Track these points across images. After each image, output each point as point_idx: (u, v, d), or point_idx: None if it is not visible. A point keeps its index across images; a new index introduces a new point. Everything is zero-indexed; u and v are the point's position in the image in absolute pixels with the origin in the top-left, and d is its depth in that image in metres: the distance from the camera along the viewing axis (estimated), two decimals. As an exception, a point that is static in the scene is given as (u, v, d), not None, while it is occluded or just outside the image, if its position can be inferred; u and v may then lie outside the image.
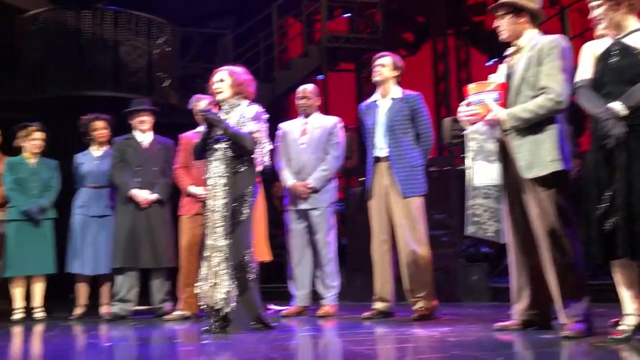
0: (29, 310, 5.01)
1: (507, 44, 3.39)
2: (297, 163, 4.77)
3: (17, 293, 5.01)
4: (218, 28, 9.68)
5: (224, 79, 3.83)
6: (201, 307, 3.81)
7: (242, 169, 3.74)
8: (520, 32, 3.24)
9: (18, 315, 4.94)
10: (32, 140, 5.11)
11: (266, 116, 3.88)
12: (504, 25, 3.25)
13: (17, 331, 4.28)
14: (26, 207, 4.92)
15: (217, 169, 3.72)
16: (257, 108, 3.84)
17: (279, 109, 10.26)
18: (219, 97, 3.84)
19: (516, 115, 3.09)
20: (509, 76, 3.24)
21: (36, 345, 3.61)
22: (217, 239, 3.61)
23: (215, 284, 3.58)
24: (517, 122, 3.09)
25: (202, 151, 3.85)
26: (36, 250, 4.95)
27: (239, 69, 3.92)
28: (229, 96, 3.84)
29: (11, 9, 8.04)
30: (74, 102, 7.40)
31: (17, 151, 5.18)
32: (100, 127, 5.16)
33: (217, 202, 3.66)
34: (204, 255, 3.67)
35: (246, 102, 3.87)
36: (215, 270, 3.59)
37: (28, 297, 5.06)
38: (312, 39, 9.56)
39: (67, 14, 7.60)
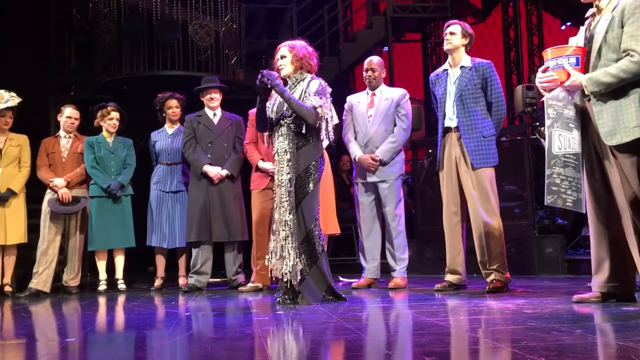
0: (112, 282, 5.28)
1: (584, 8, 3.23)
2: (365, 135, 4.75)
3: (101, 266, 5.28)
4: (282, 3, 9.69)
5: (285, 54, 3.87)
6: (273, 279, 3.91)
7: (306, 144, 3.77)
8: (601, -7, 3.07)
9: (102, 286, 5.21)
10: (109, 120, 5.32)
11: (330, 90, 3.88)
12: (583, -15, 3.09)
13: (102, 301, 4.52)
14: (107, 184, 5.15)
15: (282, 144, 3.77)
16: (320, 82, 3.85)
17: (345, 81, 10.23)
18: (282, 73, 3.87)
19: (597, 80, 2.95)
20: (589, 39, 3.10)
21: (120, 314, 3.80)
22: (284, 214, 3.68)
23: (282, 257, 3.65)
24: (598, 87, 2.96)
25: (262, 124, 3.90)
26: (117, 225, 5.20)
27: (299, 43, 3.92)
28: (292, 71, 3.86)
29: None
30: (147, 81, 7.64)
31: (93, 130, 5.41)
32: (173, 106, 5.33)
33: (283, 177, 3.72)
34: (273, 229, 3.76)
35: (309, 75, 3.87)
36: (282, 244, 3.67)
37: (109, 269, 5.33)
38: (377, 10, 9.40)
39: (138, -5, 7.81)
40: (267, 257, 3.78)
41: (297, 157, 3.74)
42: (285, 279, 3.65)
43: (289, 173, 3.71)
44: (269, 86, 3.72)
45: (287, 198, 3.68)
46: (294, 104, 3.69)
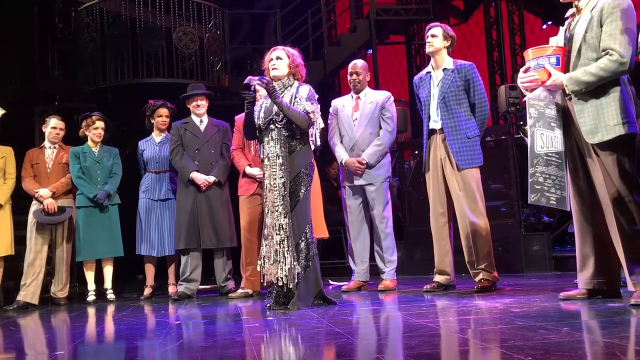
0: (100, 292, 5.25)
1: (564, 7, 3.27)
2: (350, 139, 4.77)
3: (89, 276, 5.25)
4: (266, 8, 9.70)
5: (281, 57, 3.87)
6: (263, 285, 3.91)
7: (298, 148, 3.78)
8: (580, -7, 3.12)
9: (91, 297, 5.18)
10: (94, 130, 5.29)
11: (316, 96, 3.90)
12: (562, -14, 3.13)
13: (91, 312, 4.49)
14: (94, 194, 5.12)
15: (273, 148, 3.76)
16: (310, 88, 3.87)
17: (330, 85, 10.26)
18: (275, 72, 3.85)
19: (578, 79, 2.99)
20: (569, 39, 3.14)
21: (110, 325, 3.79)
22: (278, 217, 3.67)
23: (277, 262, 3.65)
24: (578, 86, 3.00)
25: (250, 132, 3.91)
26: (105, 235, 5.17)
27: (295, 51, 3.95)
28: (285, 75, 3.86)
29: (69, 2, 8.31)
30: (131, 89, 7.62)
31: (78, 140, 5.38)
32: (163, 115, 5.34)
33: (275, 181, 3.71)
34: (264, 233, 3.75)
35: (296, 82, 3.89)
36: (276, 249, 3.66)
37: (98, 279, 5.30)
38: (360, 13, 9.46)
39: (120, 3, 7.79)
40: (259, 262, 3.77)
41: (290, 161, 3.74)
42: (280, 283, 3.65)
43: (282, 177, 3.70)
44: (267, 89, 3.69)
45: (282, 202, 3.68)
46: (286, 108, 3.70)
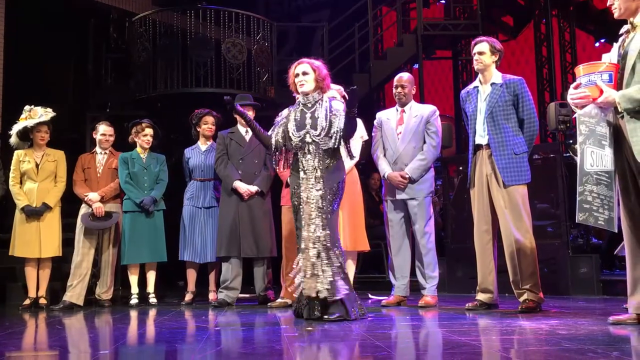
0: (143, 295, 5.34)
1: (618, 24, 3.20)
2: (394, 152, 4.74)
3: (133, 280, 5.36)
4: (313, 21, 9.79)
5: (307, 72, 3.82)
6: (299, 296, 3.89)
7: (333, 163, 3.77)
8: (635, 9, 3.04)
9: (134, 300, 5.27)
10: (143, 136, 5.42)
11: None
12: (617, 3, 3.06)
13: (133, 315, 4.57)
14: (141, 199, 5.24)
15: (310, 162, 3.75)
16: (342, 103, 3.86)
17: (375, 98, 10.24)
18: (303, 89, 3.81)
19: (631, 97, 2.91)
20: (622, 56, 3.06)
21: (152, 328, 3.84)
22: (315, 230, 3.65)
23: (314, 275, 3.62)
24: (631, 104, 2.91)
25: (265, 145, 4.01)
26: (149, 240, 5.27)
27: (319, 63, 3.90)
28: (312, 89, 3.83)
29: (124, 13, 8.59)
30: (180, 98, 7.78)
31: (128, 146, 5.52)
32: (209, 122, 5.43)
33: (312, 193, 3.70)
34: (301, 247, 3.72)
35: (325, 96, 3.86)
36: (312, 262, 3.64)
37: (141, 283, 5.39)
38: (407, 28, 9.44)
39: (173, 14, 8.00)
40: (298, 275, 3.72)
41: (326, 175, 3.72)
42: (321, 296, 3.61)
43: (319, 190, 3.69)
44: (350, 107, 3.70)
45: (318, 214, 3.67)
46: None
